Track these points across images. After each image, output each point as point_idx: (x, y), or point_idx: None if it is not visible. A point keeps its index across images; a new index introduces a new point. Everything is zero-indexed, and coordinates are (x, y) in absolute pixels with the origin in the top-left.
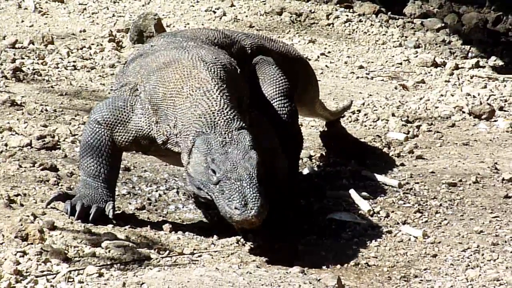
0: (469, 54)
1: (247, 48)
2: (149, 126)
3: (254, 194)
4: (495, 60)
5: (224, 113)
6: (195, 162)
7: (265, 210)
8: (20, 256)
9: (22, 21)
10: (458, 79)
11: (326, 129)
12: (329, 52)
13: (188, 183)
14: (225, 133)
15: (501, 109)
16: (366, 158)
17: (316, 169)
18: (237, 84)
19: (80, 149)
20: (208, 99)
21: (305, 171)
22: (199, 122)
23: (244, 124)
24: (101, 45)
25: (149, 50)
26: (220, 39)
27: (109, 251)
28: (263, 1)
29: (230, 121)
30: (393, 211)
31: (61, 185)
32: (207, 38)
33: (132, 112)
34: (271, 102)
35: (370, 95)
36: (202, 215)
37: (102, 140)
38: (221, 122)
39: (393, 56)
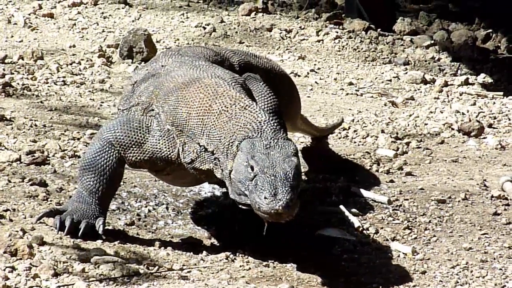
0: (459, 71)
1: (236, 65)
2: (169, 147)
3: (286, 188)
4: (484, 78)
5: (270, 123)
6: (238, 163)
7: (295, 206)
8: (9, 272)
9: (12, 36)
10: (447, 96)
11: (309, 145)
12: (318, 69)
13: (230, 192)
14: (271, 139)
15: (490, 126)
16: (356, 174)
17: (305, 185)
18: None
19: (82, 162)
20: (250, 112)
21: None
22: (245, 129)
23: (287, 136)
24: (91, 60)
25: (161, 70)
26: (213, 56)
27: (98, 267)
28: (253, 18)
29: (276, 131)
30: (382, 228)
31: (50, 201)
32: (205, 56)
33: (148, 133)
34: None
35: (360, 111)
36: (192, 231)
37: (109, 160)
38: (268, 130)
39: (382, 73)
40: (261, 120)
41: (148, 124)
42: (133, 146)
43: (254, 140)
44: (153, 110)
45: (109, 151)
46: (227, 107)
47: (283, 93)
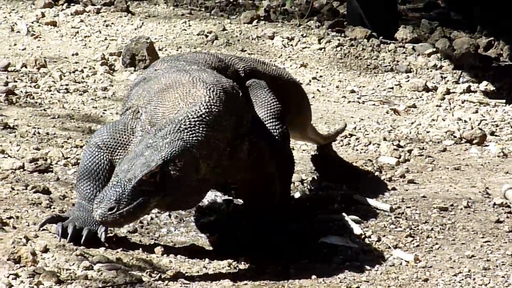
0: (461, 79)
1: (241, 72)
2: None
3: (110, 195)
4: (486, 85)
5: (174, 125)
6: None
7: (115, 216)
8: (12, 279)
9: (15, 44)
10: (450, 103)
11: (317, 153)
12: (320, 76)
13: None
14: (156, 138)
15: (492, 134)
16: (358, 182)
17: (307, 193)
18: (238, 108)
19: (78, 172)
20: (181, 112)
21: (297, 195)
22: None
23: (189, 138)
24: (94, 68)
25: (152, 74)
26: (215, 62)
27: (101, 274)
28: (255, 26)
29: (173, 132)
30: (384, 235)
31: (54, 208)
32: (206, 62)
33: (133, 135)
34: (263, 124)
35: (362, 119)
36: (194, 238)
37: (100, 164)
38: (161, 130)
39: (384, 81)
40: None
41: (133, 126)
42: (119, 148)
43: (143, 137)
44: (139, 112)
45: (99, 155)
46: (186, 106)
47: (291, 101)
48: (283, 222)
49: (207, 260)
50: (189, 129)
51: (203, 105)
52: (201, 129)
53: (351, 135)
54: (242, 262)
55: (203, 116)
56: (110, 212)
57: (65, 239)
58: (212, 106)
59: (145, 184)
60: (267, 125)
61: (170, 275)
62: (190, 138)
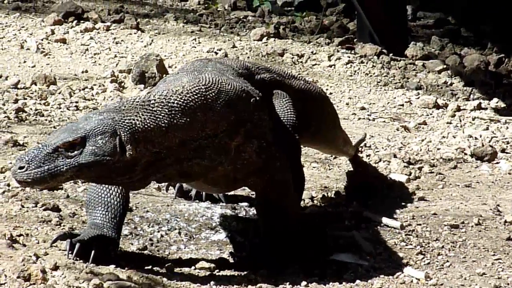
0: (471, 96)
1: (267, 81)
2: None
3: (25, 155)
4: (497, 102)
5: (125, 105)
6: None
7: (23, 176)
8: None
9: (25, 62)
10: (460, 120)
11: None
12: (330, 93)
13: None
14: (95, 113)
15: (503, 151)
16: (366, 199)
17: (317, 210)
18: (239, 109)
19: (89, 187)
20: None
21: (307, 211)
22: None
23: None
24: (103, 85)
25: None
26: (241, 69)
27: None
28: (265, 43)
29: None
30: (395, 253)
31: (63, 225)
32: (230, 67)
33: None
34: (278, 133)
35: (372, 136)
36: (204, 255)
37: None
38: (109, 107)
39: (394, 98)
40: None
41: None
42: None
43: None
44: None
45: None
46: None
47: (318, 115)
48: (294, 238)
49: (217, 277)
50: (126, 111)
51: (164, 94)
52: (142, 114)
53: (361, 152)
54: (253, 280)
55: (152, 103)
56: (19, 171)
57: (72, 254)
58: (179, 98)
59: (60, 152)
60: (280, 134)
61: None
62: (122, 120)
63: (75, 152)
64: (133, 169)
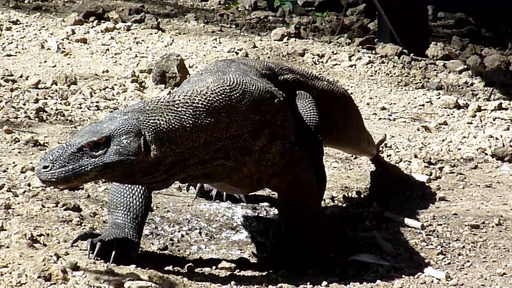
0: (492, 96)
1: (290, 81)
2: None
3: (50, 154)
4: None
5: (148, 105)
6: None
7: (47, 175)
8: None
9: (45, 61)
10: (481, 121)
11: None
12: (351, 93)
13: None
14: (119, 113)
15: None
16: (387, 199)
17: (338, 210)
18: (262, 110)
19: (111, 187)
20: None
21: (327, 212)
22: None
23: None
24: (124, 85)
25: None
26: (264, 69)
27: None
28: (285, 43)
29: (138, 112)
30: (415, 253)
31: (84, 225)
32: (254, 67)
33: None
34: (300, 133)
35: (393, 136)
36: (225, 256)
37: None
38: (133, 107)
39: (415, 98)
40: (151, 100)
41: None
42: None
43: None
44: None
45: None
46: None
47: (341, 116)
48: (315, 239)
49: (238, 277)
50: (151, 111)
51: (189, 94)
52: (167, 114)
53: (382, 152)
54: (273, 280)
55: (176, 103)
56: (44, 170)
57: (93, 254)
58: (203, 98)
59: (85, 151)
60: (303, 135)
61: None
62: (147, 120)
63: (100, 151)
64: (157, 169)
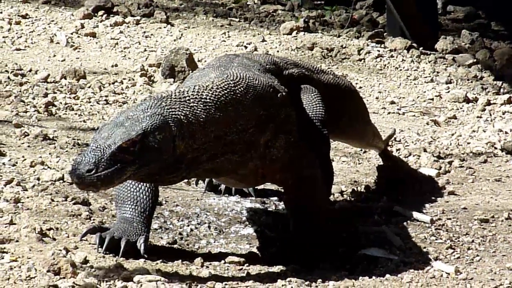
0: (501, 90)
1: (295, 76)
2: None
3: (89, 158)
4: None
5: (165, 98)
6: None
7: (93, 178)
8: None
9: (54, 56)
10: (490, 115)
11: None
12: (360, 87)
13: None
14: (137, 111)
15: None
16: (396, 194)
17: (347, 205)
18: (266, 104)
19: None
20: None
21: (336, 206)
22: None
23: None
24: (133, 79)
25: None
26: (268, 64)
27: (141, 286)
28: (294, 37)
29: (153, 106)
30: (425, 247)
31: (93, 219)
32: (257, 62)
33: None
34: (306, 127)
35: (402, 130)
36: (234, 250)
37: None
38: (149, 101)
39: (424, 92)
40: (166, 92)
41: None
42: None
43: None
44: None
45: None
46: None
47: (348, 110)
48: (324, 233)
49: (246, 272)
50: (168, 107)
51: (196, 89)
52: (182, 110)
53: (391, 146)
54: (282, 274)
55: (187, 99)
56: (88, 174)
57: (102, 248)
58: (211, 93)
59: (123, 151)
60: (308, 128)
61: (210, 286)
62: (170, 115)
63: (136, 150)
64: (179, 166)
